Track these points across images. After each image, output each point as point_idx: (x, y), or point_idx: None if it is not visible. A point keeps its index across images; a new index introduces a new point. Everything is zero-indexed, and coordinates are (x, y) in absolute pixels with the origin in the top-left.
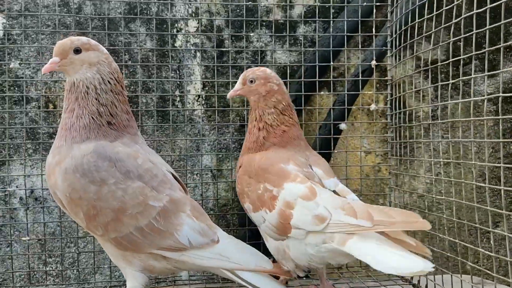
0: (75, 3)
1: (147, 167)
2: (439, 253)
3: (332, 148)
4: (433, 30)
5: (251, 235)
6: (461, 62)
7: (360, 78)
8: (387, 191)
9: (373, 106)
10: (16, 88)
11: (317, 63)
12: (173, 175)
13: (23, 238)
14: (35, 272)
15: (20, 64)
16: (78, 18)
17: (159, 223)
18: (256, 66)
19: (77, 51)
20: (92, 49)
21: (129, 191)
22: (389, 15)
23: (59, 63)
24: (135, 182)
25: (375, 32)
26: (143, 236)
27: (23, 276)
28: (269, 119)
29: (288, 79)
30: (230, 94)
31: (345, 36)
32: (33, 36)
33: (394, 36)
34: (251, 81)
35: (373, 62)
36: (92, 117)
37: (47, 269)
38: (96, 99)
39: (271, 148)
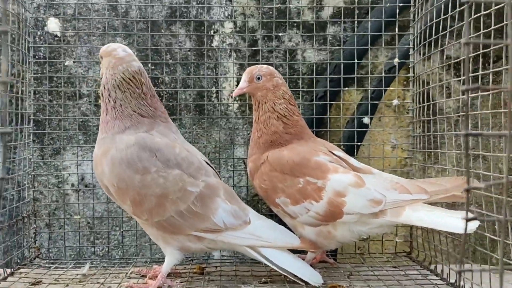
0: (122, 7)
1: (184, 155)
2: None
3: (357, 141)
4: (455, 26)
5: (280, 223)
6: (480, 57)
7: (383, 75)
8: None
9: (395, 102)
10: (70, 85)
11: (341, 61)
12: (206, 162)
13: (75, 217)
14: (84, 252)
15: (74, 62)
16: (125, 21)
17: (197, 207)
18: (287, 64)
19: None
20: (104, 56)
21: (170, 178)
22: (411, 15)
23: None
24: (174, 170)
25: (402, 31)
26: (183, 219)
27: (73, 256)
28: (281, 109)
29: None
30: (236, 92)
31: (369, 36)
32: (85, 37)
33: (416, 34)
34: (258, 78)
35: (396, 60)
36: (136, 107)
37: (95, 249)
38: (131, 93)
39: (292, 141)
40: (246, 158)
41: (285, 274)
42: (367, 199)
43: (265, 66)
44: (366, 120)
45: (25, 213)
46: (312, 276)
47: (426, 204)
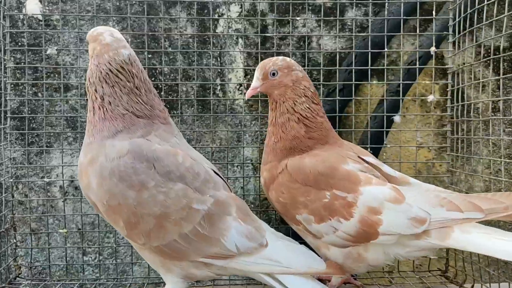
0: None
1: (188, 165)
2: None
3: (381, 142)
4: (496, 17)
5: (294, 233)
6: None
7: (417, 66)
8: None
9: (431, 97)
10: (56, 75)
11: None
12: (214, 171)
13: (60, 231)
14: (74, 262)
15: (57, 50)
16: (118, 3)
17: (204, 229)
18: (302, 53)
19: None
20: (91, 41)
21: (171, 195)
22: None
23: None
24: (176, 183)
25: (429, 16)
26: (188, 243)
27: (62, 266)
28: (303, 110)
29: (337, 67)
30: (249, 93)
31: (402, 20)
32: (72, 22)
33: (457, 20)
34: (274, 74)
35: (433, 49)
36: (125, 107)
37: (86, 258)
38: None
39: (315, 146)
40: (260, 164)
41: None
42: (407, 218)
43: (280, 58)
44: (397, 118)
45: (3, 226)
46: None
47: (479, 223)
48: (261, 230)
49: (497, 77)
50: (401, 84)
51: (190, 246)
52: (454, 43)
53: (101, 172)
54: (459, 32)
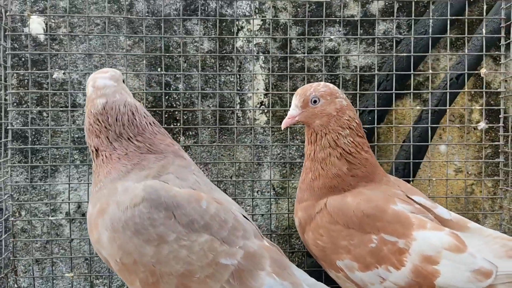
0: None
1: (214, 211)
2: None
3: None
4: None
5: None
6: None
7: (466, 89)
8: (480, 217)
9: (482, 125)
10: (63, 94)
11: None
12: (243, 215)
13: (67, 275)
14: None
15: (64, 73)
16: (129, 15)
17: (234, 287)
18: (329, 69)
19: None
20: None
21: (195, 249)
22: (502, 12)
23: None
24: (201, 235)
25: (470, 32)
26: None
27: None
28: (346, 145)
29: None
30: (286, 122)
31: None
32: (80, 37)
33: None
34: (315, 101)
35: (483, 71)
36: (136, 140)
37: None
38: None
39: (358, 184)
40: (282, 189)
41: None
42: (470, 270)
43: (322, 83)
44: (443, 148)
45: (2, 272)
46: None
47: None
48: (299, 285)
49: None
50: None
51: None
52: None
53: (112, 225)
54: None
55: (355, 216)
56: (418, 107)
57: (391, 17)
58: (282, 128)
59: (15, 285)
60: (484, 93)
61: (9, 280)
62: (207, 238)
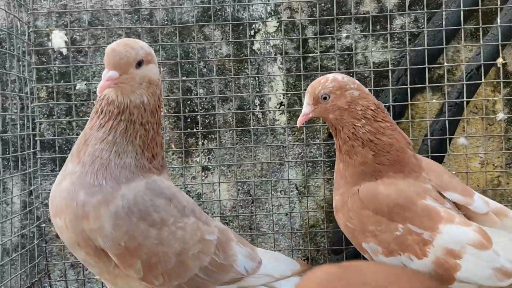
0: (146, 8)
1: (192, 200)
2: None
3: (441, 162)
4: None
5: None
6: None
7: (482, 80)
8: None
9: (500, 115)
10: (90, 104)
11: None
12: None
13: (97, 277)
14: None
15: (86, 84)
16: (149, 25)
17: (219, 258)
18: (346, 67)
19: (140, 63)
20: (152, 61)
21: (188, 229)
22: None
23: (117, 80)
24: (190, 218)
25: (489, 23)
26: (208, 275)
27: None
28: (365, 134)
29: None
30: (300, 120)
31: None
32: (104, 47)
33: None
34: (325, 98)
35: (500, 60)
36: (135, 157)
37: None
38: (144, 134)
39: (387, 173)
40: (305, 188)
41: None
42: (491, 267)
43: (330, 78)
44: (462, 141)
45: (37, 274)
46: None
47: None
48: (255, 249)
49: None
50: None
51: (210, 278)
52: None
53: (117, 212)
54: None
55: (385, 205)
56: (434, 100)
57: (404, 11)
58: (298, 126)
59: None
60: (501, 83)
61: (43, 284)
62: (194, 221)
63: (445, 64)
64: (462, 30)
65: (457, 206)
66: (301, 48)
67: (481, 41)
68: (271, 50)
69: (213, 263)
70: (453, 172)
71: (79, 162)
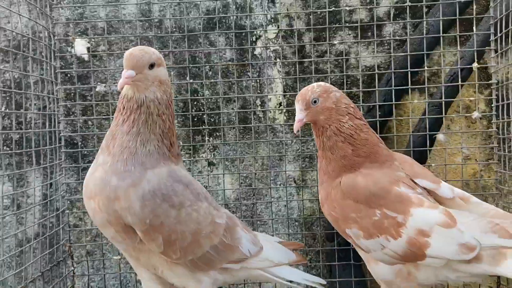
0: (156, 17)
1: (205, 189)
2: None
3: (424, 159)
4: None
5: (341, 255)
6: None
7: (459, 83)
8: (490, 201)
9: (475, 114)
10: (104, 104)
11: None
12: None
13: (114, 257)
14: (128, 282)
15: (105, 86)
16: (159, 32)
17: (227, 239)
18: (340, 70)
19: (152, 66)
20: (163, 64)
21: (201, 212)
22: (491, 10)
23: (134, 78)
24: (203, 203)
25: (467, 30)
26: (217, 253)
27: (116, 286)
28: (348, 129)
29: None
30: (296, 126)
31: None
32: (118, 52)
33: (500, 34)
34: (315, 102)
35: (475, 65)
36: (157, 145)
37: (139, 278)
38: (162, 124)
39: (363, 165)
40: (302, 181)
41: (292, 284)
42: (457, 243)
43: (316, 84)
44: (441, 137)
45: (60, 256)
46: (316, 279)
47: None
48: (256, 236)
49: None
50: (440, 98)
51: (218, 255)
52: (500, 56)
53: (143, 195)
54: (500, 45)
55: (364, 194)
56: (416, 101)
57: (390, 21)
58: (294, 132)
59: (72, 267)
60: (476, 85)
61: (67, 263)
62: (207, 205)
63: (426, 68)
64: (441, 38)
65: (427, 192)
66: (297, 54)
67: (458, 47)
68: (271, 55)
69: (222, 243)
70: (433, 165)
71: (109, 154)
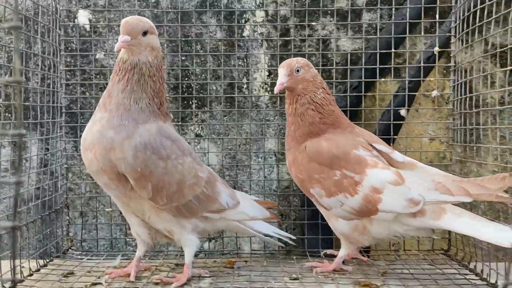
0: None
1: (190, 147)
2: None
3: (393, 134)
4: (501, 13)
5: (311, 216)
6: None
7: (422, 64)
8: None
9: (434, 93)
10: (102, 77)
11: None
12: None
13: (107, 209)
14: (117, 241)
15: (104, 55)
16: (155, 12)
17: (208, 191)
18: (320, 53)
19: (145, 33)
20: (155, 33)
21: (186, 166)
22: (453, 1)
23: (129, 42)
24: (187, 157)
25: (441, 18)
26: (199, 202)
27: (106, 247)
28: (320, 99)
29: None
30: (277, 88)
31: (407, 23)
32: (116, 29)
33: (458, 21)
34: (298, 71)
35: (436, 49)
36: (149, 103)
37: (127, 239)
38: (152, 85)
39: (328, 130)
40: (281, 155)
41: (266, 236)
42: (405, 198)
43: (300, 58)
44: (403, 112)
45: (58, 204)
46: (287, 234)
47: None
48: (234, 192)
49: (502, 69)
50: (406, 81)
51: (199, 204)
52: (459, 41)
53: (135, 147)
54: (459, 33)
55: (326, 157)
56: (383, 79)
57: (366, 7)
58: (275, 92)
59: (67, 217)
60: (436, 67)
61: (63, 211)
62: (191, 160)
63: (392, 50)
64: (407, 24)
65: (382, 155)
66: (279, 36)
67: (422, 33)
68: (258, 37)
69: (203, 194)
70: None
71: (106, 110)
